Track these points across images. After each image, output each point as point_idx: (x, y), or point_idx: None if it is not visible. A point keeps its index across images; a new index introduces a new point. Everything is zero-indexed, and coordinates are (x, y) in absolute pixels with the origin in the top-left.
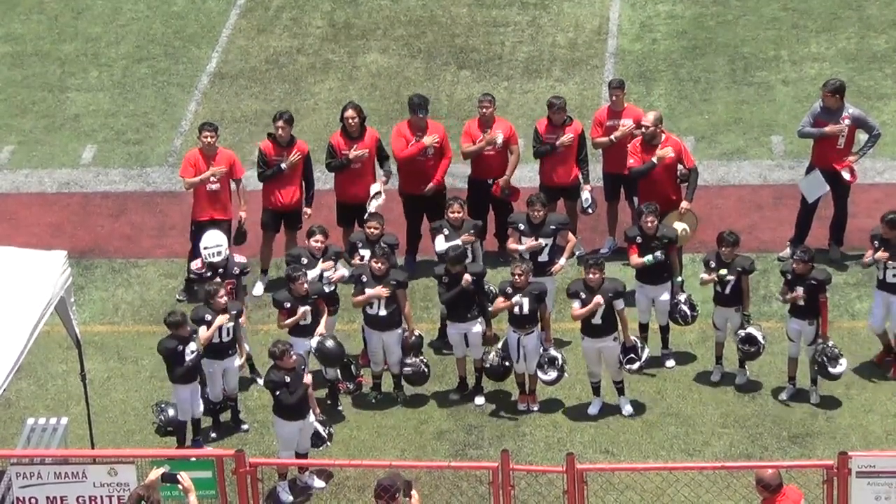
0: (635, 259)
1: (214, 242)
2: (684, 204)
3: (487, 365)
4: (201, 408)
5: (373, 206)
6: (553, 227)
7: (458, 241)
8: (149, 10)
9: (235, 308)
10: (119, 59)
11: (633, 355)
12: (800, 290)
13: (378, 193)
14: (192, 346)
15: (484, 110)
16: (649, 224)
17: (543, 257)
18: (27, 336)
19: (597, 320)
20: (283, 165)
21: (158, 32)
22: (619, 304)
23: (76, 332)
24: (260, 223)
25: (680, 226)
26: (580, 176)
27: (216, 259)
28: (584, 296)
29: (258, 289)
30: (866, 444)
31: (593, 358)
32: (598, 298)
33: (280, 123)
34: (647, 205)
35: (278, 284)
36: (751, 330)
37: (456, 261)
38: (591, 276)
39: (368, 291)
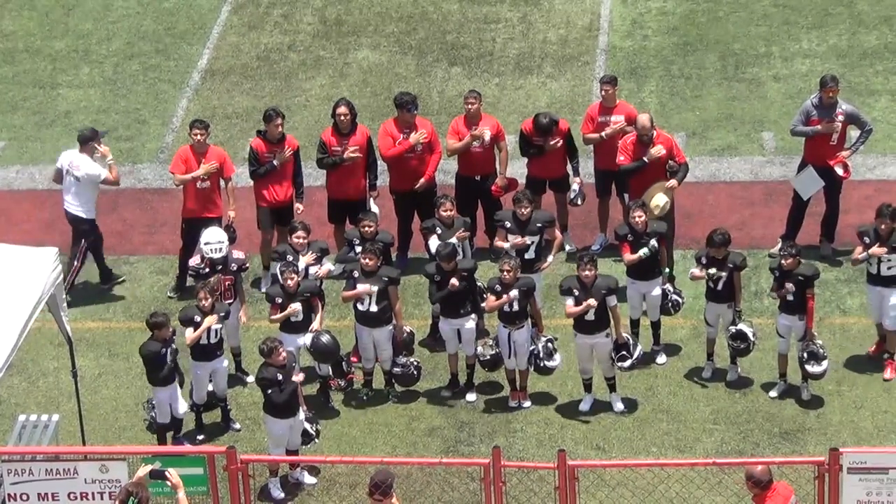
0: (629, 256)
1: (216, 238)
2: (672, 182)
3: (480, 357)
4: (183, 408)
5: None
6: (539, 224)
7: (453, 240)
8: (140, 6)
9: (223, 310)
10: (110, 55)
11: (624, 353)
12: (790, 286)
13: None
14: (173, 347)
15: (469, 107)
16: (637, 220)
17: (530, 254)
18: (18, 333)
19: (590, 317)
20: (276, 162)
21: (149, 29)
22: (612, 300)
23: (67, 328)
24: (256, 222)
25: (662, 199)
26: (570, 168)
27: (217, 255)
28: (577, 293)
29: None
30: (857, 440)
31: (585, 354)
32: (592, 301)
33: (278, 121)
34: (635, 201)
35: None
36: (741, 326)
37: (448, 257)
38: (585, 273)
39: (358, 287)
